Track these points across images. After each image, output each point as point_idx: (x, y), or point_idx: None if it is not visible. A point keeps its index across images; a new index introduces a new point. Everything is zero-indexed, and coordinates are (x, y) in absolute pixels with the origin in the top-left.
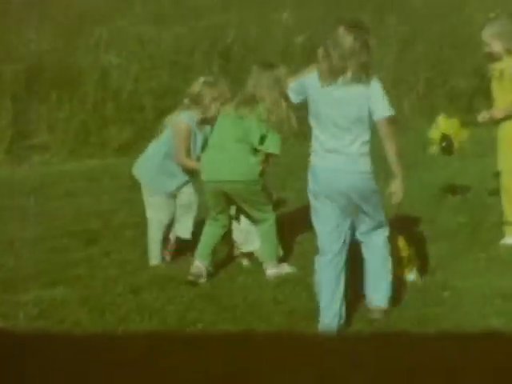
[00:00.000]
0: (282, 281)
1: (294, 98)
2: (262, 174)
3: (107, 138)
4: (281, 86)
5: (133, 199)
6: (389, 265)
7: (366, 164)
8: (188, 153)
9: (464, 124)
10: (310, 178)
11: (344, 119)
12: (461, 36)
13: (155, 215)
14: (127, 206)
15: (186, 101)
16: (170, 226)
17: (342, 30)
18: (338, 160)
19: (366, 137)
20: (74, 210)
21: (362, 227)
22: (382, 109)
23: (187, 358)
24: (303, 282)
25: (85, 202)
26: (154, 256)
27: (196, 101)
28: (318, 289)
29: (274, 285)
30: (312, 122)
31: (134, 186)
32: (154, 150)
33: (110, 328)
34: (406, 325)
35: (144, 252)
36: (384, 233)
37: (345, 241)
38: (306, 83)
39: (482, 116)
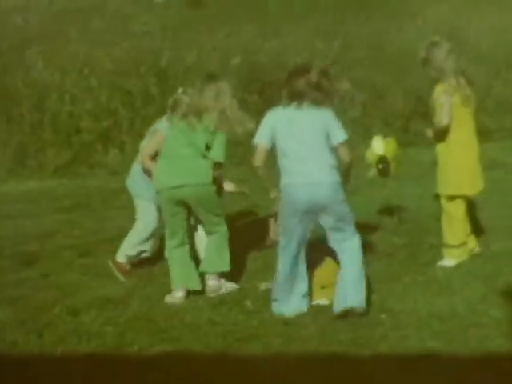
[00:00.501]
0: (218, 302)
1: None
2: (214, 180)
3: (45, 160)
4: (225, 97)
5: (71, 221)
6: (365, 269)
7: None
8: (153, 156)
9: (400, 145)
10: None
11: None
12: (396, 59)
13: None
14: (65, 227)
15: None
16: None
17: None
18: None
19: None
20: (12, 231)
21: (337, 236)
22: (339, 135)
23: (125, 378)
24: (239, 304)
25: (23, 223)
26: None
27: (173, 109)
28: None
29: (210, 306)
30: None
31: (72, 208)
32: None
33: (48, 349)
34: (343, 347)
35: (82, 273)
36: (357, 240)
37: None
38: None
39: (428, 132)
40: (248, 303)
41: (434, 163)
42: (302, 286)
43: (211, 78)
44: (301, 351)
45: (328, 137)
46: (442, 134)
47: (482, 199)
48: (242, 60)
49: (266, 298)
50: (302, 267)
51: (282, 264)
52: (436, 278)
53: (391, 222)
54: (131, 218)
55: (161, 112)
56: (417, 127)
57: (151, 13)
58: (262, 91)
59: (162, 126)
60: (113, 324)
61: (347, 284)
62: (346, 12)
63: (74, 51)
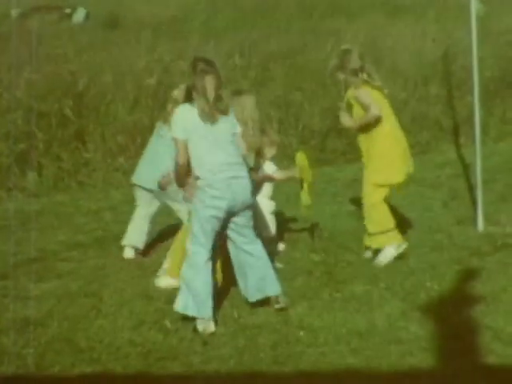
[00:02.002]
0: (138, 323)
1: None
2: None
3: None
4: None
5: None
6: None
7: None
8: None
9: (317, 163)
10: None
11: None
12: (312, 77)
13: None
14: None
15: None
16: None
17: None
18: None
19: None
20: None
21: (244, 239)
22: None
23: None
24: (158, 324)
25: None
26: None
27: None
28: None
29: (129, 327)
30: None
31: None
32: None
33: None
34: (263, 365)
35: (2, 295)
36: (259, 242)
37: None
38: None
39: (343, 118)
40: (167, 323)
41: (350, 180)
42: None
43: (237, 92)
44: (220, 370)
45: None
46: (371, 126)
47: (398, 213)
48: (157, 80)
49: (185, 317)
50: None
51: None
52: (354, 294)
53: (308, 240)
54: (49, 240)
55: (77, 133)
56: (333, 145)
57: (66, 35)
58: None
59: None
60: (33, 346)
61: (264, 274)
62: (264, 29)
63: None
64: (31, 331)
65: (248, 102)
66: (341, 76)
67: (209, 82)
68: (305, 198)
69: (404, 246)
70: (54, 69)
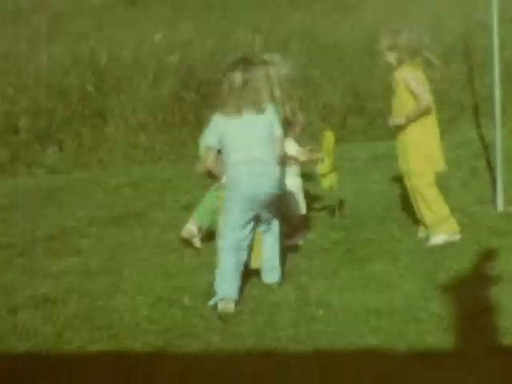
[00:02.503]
0: (156, 300)
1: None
2: None
3: None
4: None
5: (8, 219)
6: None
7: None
8: None
9: (337, 141)
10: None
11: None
12: (332, 55)
13: None
14: (3, 226)
15: None
16: None
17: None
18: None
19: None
20: None
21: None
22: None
23: (64, 376)
24: (177, 302)
25: None
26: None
27: None
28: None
29: (148, 304)
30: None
31: (9, 207)
32: None
33: None
34: (281, 343)
35: (22, 272)
36: (278, 224)
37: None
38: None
39: (392, 121)
40: (186, 300)
41: (371, 158)
42: None
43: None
44: (239, 348)
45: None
46: (422, 115)
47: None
48: (179, 58)
49: (204, 294)
50: None
51: None
52: (374, 273)
53: (328, 217)
54: (68, 217)
55: (98, 111)
56: (354, 123)
57: (87, 12)
58: (199, 88)
59: None
60: (51, 322)
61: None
62: (281, 7)
63: (11, 50)
64: (50, 308)
65: (272, 72)
66: (391, 56)
67: (237, 78)
68: (325, 180)
69: (457, 237)
70: (75, 45)
